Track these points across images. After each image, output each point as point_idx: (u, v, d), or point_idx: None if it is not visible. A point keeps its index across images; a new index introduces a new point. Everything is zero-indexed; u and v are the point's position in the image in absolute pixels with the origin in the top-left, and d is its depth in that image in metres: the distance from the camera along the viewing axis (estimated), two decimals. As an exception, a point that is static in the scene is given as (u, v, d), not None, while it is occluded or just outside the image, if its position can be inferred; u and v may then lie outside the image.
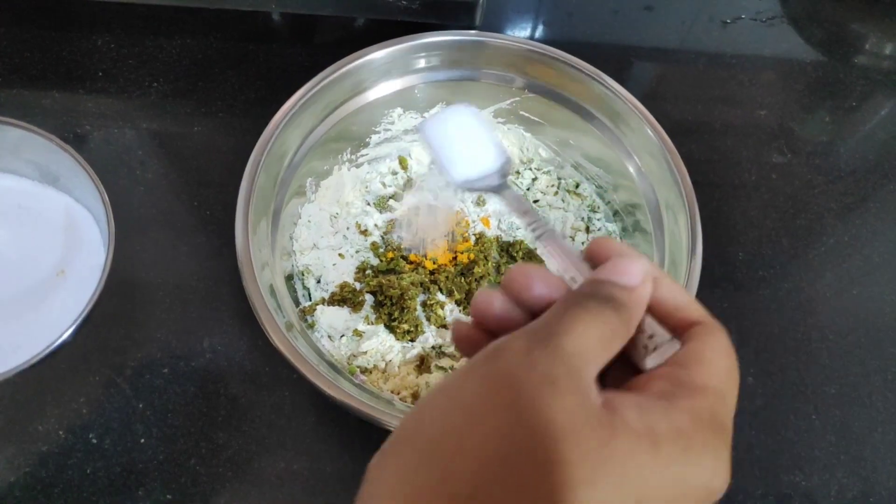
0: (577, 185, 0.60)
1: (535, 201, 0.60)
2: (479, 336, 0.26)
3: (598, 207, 0.59)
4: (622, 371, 0.25)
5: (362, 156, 0.59)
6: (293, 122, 0.49)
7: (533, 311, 0.25)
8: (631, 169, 0.54)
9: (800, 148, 0.68)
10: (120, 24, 0.69)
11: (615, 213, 0.58)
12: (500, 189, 0.35)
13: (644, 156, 0.53)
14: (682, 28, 0.76)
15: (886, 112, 0.71)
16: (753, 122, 0.69)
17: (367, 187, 0.59)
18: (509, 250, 0.56)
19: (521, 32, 0.74)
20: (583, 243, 0.58)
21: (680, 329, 0.25)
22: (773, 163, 0.66)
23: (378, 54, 0.52)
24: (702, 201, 0.63)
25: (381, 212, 0.58)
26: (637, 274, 0.24)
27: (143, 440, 0.49)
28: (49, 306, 0.51)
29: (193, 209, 0.58)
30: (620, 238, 0.58)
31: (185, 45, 0.68)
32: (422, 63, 0.55)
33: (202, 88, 0.66)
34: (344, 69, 0.51)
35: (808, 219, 0.63)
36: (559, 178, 0.61)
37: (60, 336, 0.45)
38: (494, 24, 0.74)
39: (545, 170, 0.61)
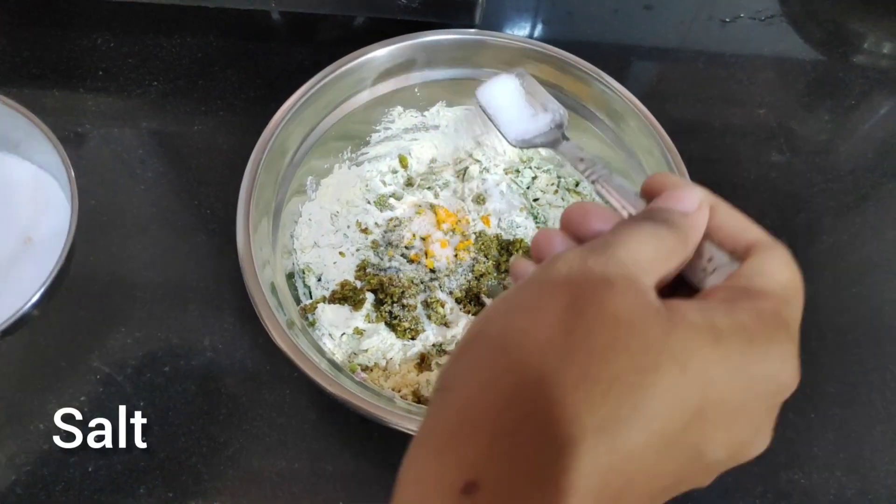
0: (577, 184, 0.60)
1: (535, 200, 0.60)
2: None
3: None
4: (684, 296, 0.24)
5: (363, 154, 0.59)
6: (294, 120, 0.49)
7: None
8: (630, 167, 0.54)
9: (799, 147, 0.68)
10: (120, 23, 0.69)
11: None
12: (554, 144, 0.36)
13: (643, 154, 0.53)
14: (681, 27, 0.76)
15: (885, 111, 0.72)
16: (753, 120, 0.69)
17: (367, 185, 0.59)
18: (509, 248, 0.56)
19: (520, 31, 0.74)
20: None
21: (740, 252, 0.24)
22: (773, 161, 0.67)
23: (379, 53, 0.52)
24: (701, 200, 0.64)
25: (381, 210, 0.58)
26: (693, 200, 0.25)
27: (144, 438, 0.49)
28: (18, 275, 0.51)
29: (193, 208, 0.59)
30: None
31: (185, 44, 0.68)
32: (422, 62, 0.55)
33: (202, 87, 0.66)
34: (344, 67, 0.51)
35: (808, 217, 0.63)
36: (559, 177, 0.61)
37: (27, 303, 0.46)
38: (494, 23, 0.74)
39: (545, 168, 0.61)
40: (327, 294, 0.53)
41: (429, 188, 0.60)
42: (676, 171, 0.50)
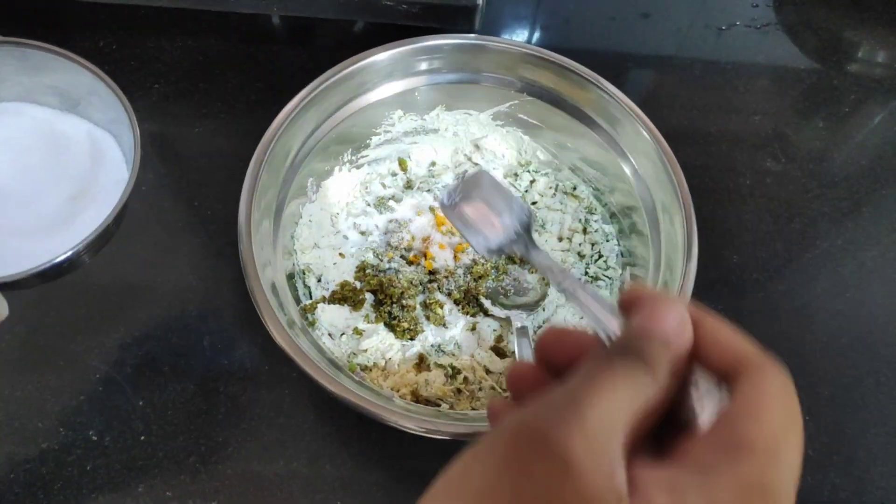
0: (575, 188, 0.61)
1: (534, 203, 0.60)
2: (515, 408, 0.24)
3: (596, 209, 0.60)
4: (670, 426, 0.22)
5: (363, 157, 0.60)
6: (296, 122, 0.50)
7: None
8: (627, 171, 0.55)
9: (794, 154, 0.68)
10: (121, 26, 0.69)
11: (612, 215, 0.59)
12: (526, 252, 0.35)
13: (640, 158, 0.54)
14: (678, 35, 0.77)
15: (879, 118, 0.73)
16: (749, 127, 0.70)
17: (367, 188, 0.60)
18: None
19: (518, 38, 0.75)
20: (580, 244, 0.58)
21: (730, 371, 0.22)
22: (768, 168, 0.67)
23: (379, 57, 0.53)
24: (697, 205, 0.64)
25: (381, 212, 0.58)
26: (674, 318, 0.22)
27: (143, 437, 0.49)
28: (78, 224, 0.52)
29: (194, 209, 0.59)
30: (617, 240, 0.58)
31: (186, 47, 0.69)
32: (423, 66, 0.55)
33: (203, 90, 0.66)
34: (346, 71, 0.52)
35: (803, 223, 0.64)
36: (557, 181, 0.61)
37: (83, 241, 0.48)
38: (493, 30, 0.75)
39: (543, 172, 0.61)
40: (327, 294, 0.53)
41: (428, 191, 0.60)
42: (672, 173, 0.50)
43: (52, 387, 0.50)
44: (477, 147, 0.61)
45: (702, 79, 0.74)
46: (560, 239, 0.59)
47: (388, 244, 0.57)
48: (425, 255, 0.56)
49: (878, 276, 0.62)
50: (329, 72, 0.52)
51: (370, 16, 0.63)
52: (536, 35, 0.76)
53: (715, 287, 0.59)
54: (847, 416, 0.54)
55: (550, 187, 0.61)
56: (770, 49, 0.76)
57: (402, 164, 0.61)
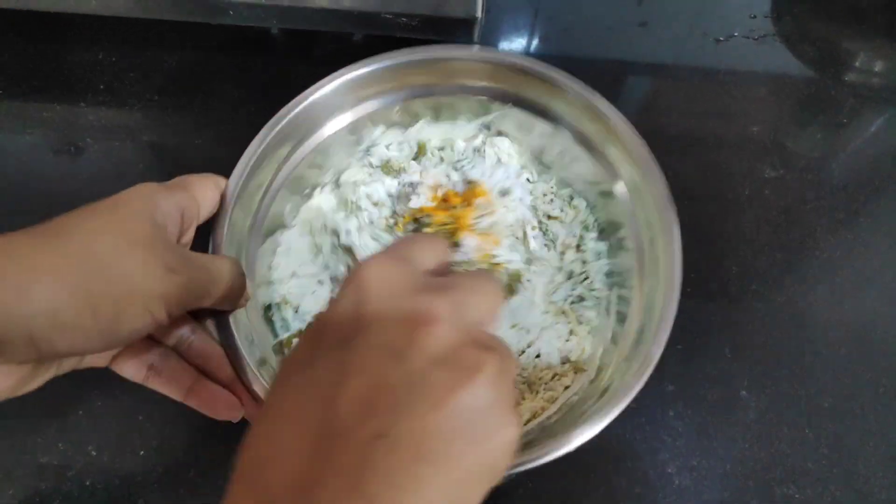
0: (572, 198, 0.59)
1: (534, 207, 0.58)
2: None
3: (590, 226, 0.57)
4: None
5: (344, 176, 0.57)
6: (267, 153, 0.48)
7: None
8: (615, 187, 0.53)
9: (792, 163, 0.69)
10: (121, 38, 0.69)
11: (601, 231, 0.57)
12: None
13: (627, 171, 0.52)
14: (675, 44, 0.78)
15: (876, 128, 0.73)
16: (746, 137, 0.70)
17: (357, 204, 0.56)
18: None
19: (517, 48, 0.75)
20: (572, 261, 0.56)
21: None
22: (766, 177, 0.67)
23: (331, 86, 0.50)
24: (695, 215, 0.64)
25: (393, 178, 0.55)
26: None
27: (142, 452, 0.49)
28: None
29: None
30: (607, 258, 0.55)
31: (185, 59, 0.69)
32: (403, 81, 0.54)
33: (202, 101, 0.66)
34: (308, 100, 0.49)
35: (801, 233, 0.64)
36: (554, 188, 0.59)
37: None
38: (492, 40, 0.75)
39: (543, 178, 0.60)
40: (304, 326, 0.51)
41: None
42: (659, 187, 0.48)
43: (50, 401, 0.50)
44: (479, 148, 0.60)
45: (700, 88, 0.74)
46: (562, 252, 0.57)
47: (395, 213, 0.53)
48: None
49: (876, 285, 0.62)
50: (295, 99, 0.50)
51: (369, 28, 0.63)
52: (535, 44, 0.76)
53: (714, 298, 0.59)
54: (847, 427, 0.54)
55: (547, 193, 0.59)
56: (768, 59, 0.76)
57: (421, 148, 0.58)
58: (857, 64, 0.77)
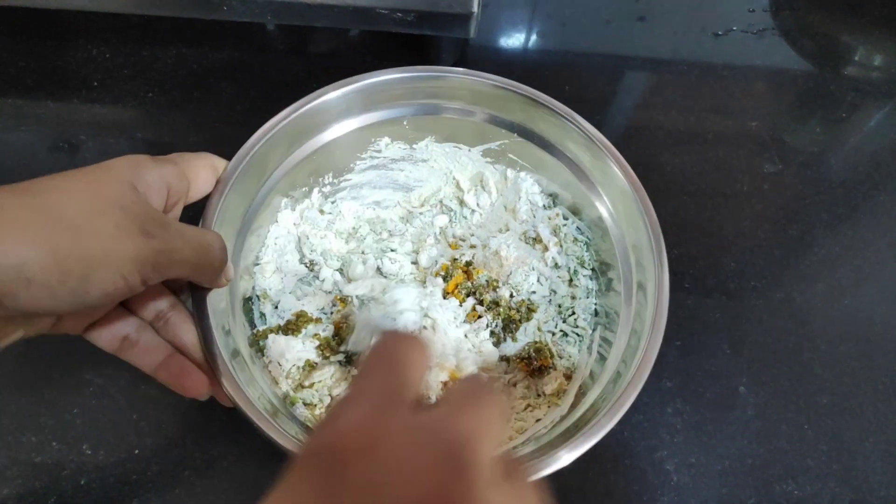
0: (580, 232, 0.56)
1: (536, 239, 0.57)
2: None
3: (585, 262, 0.55)
4: None
5: (345, 180, 0.57)
6: (273, 140, 0.47)
7: None
8: (604, 214, 0.52)
9: (791, 158, 0.68)
10: (115, 35, 0.69)
11: (593, 270, 0.55)
12: None
13: (615, 197, 0.50)
14: (674, 39, 0.77)
15: (875, 123, 0.72)
16: (745, 132, 0.70)
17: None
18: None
19: (515, 43, 0.75)
20: (563, 296, 0.54)
21: None
22: (765, 173, 0.67)
23: (338, 93, 0.49)
24: (693, 211, 0.64)
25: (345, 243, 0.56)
26: None
27: (137, 451, 0.49)
28: None
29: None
30: (595, 297, 0.54)
31: (180, 56, 0.68)
32: (411, 97, 0.53)
33: (198, 98, 0.66)
34: (319, 99, 0.49)
35: (800, 229, 0.64)
36: (554, 217, 0.57)
37: None
38: (489, 36, 0.75)
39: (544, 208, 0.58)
40: (282, 323, 0.51)
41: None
42: (646, 214, 0.46)
43: (44, 400, 0.50)
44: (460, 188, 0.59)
45: (698, 83, 0.73)
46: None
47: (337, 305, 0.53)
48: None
49: (875, 282, 0.61)
50: (308, 96, 0.49)
51: (365, 24, 0.63)
52: (532, 39, 0.75)
53: (713, 294, 0.59)
54: (845, 423, 0.54)
55: (548, 220, 0.57)
56: (767, 53, 0.76)
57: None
58: (856, 58, 0.77)
